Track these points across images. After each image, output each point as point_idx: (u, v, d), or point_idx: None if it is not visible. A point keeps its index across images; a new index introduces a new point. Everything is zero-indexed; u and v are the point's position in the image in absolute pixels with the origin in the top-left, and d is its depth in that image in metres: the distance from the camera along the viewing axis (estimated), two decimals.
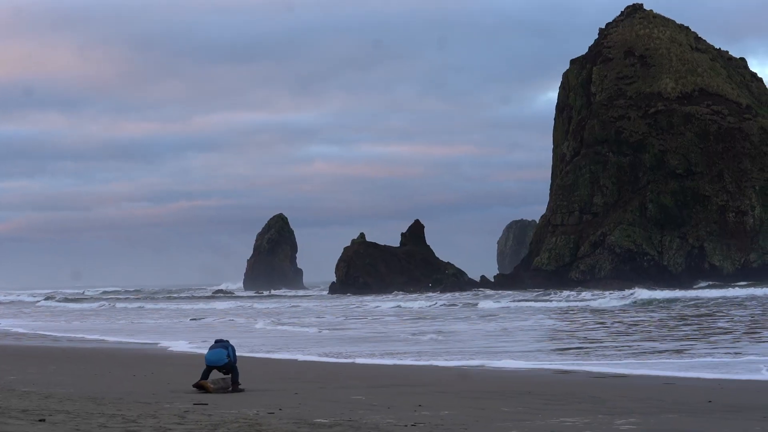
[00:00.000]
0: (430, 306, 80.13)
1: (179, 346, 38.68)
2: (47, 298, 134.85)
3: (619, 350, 33.12)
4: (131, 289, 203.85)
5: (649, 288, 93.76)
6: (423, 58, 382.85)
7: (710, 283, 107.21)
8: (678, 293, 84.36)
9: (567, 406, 18.17)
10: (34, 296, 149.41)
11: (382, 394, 20.67)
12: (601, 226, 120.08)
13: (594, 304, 73.85)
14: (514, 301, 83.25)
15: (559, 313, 62.68)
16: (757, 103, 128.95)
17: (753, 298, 74.38)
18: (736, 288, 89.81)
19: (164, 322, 63.75)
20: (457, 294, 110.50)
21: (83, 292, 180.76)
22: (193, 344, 38.96)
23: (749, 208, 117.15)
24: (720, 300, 73.18)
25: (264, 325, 55.54)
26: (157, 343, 41.20)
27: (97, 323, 65.73)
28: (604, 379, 24.05)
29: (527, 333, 44.56)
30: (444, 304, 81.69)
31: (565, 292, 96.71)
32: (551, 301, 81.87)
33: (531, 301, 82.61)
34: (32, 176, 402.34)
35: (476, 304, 78.03)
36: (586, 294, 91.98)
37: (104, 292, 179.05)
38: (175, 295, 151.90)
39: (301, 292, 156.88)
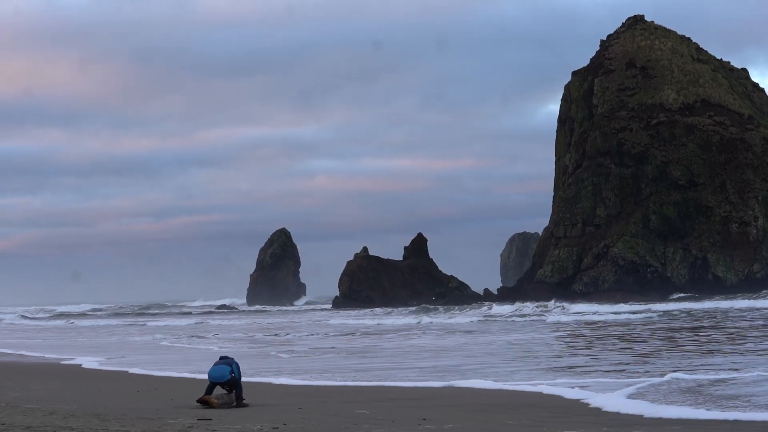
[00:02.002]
0: (397, 322, 77.81)
1: (89, 362, 40.48)
2: (21, 316, 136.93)
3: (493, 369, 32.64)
4: (124, 305, 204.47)
5: (584, 302, 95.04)
6: (423, 70, 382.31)
7: (681, 295, 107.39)
8: (621, 307, 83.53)
9: (571, 419, 18.12)
10: (15, 313, 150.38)
11: (385, 407, 20.63)
12: (604, 238, 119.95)
13: (551, 318, 72.79)
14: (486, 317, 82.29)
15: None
16: (759, 114, 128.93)
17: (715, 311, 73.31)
18: (698, 301, 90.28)
19: (99, 340, 64.85)
20: (457, 307, 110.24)
21: (56, 308, 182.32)
22: (105, 361, 41.55)
23: (752, 219, 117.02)
24: (676, 312, 73.02)
25: (170, 343, 57.36)
26: (73, 359, 43.29)
27: (36, 341, 67.00)
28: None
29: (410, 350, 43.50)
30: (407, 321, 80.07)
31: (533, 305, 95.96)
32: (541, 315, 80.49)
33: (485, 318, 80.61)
34: (33, 192, 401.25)
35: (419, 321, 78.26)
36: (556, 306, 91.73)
37: (93, 309, 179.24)
38: (163, 311, 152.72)
39: (292, 308, 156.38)
